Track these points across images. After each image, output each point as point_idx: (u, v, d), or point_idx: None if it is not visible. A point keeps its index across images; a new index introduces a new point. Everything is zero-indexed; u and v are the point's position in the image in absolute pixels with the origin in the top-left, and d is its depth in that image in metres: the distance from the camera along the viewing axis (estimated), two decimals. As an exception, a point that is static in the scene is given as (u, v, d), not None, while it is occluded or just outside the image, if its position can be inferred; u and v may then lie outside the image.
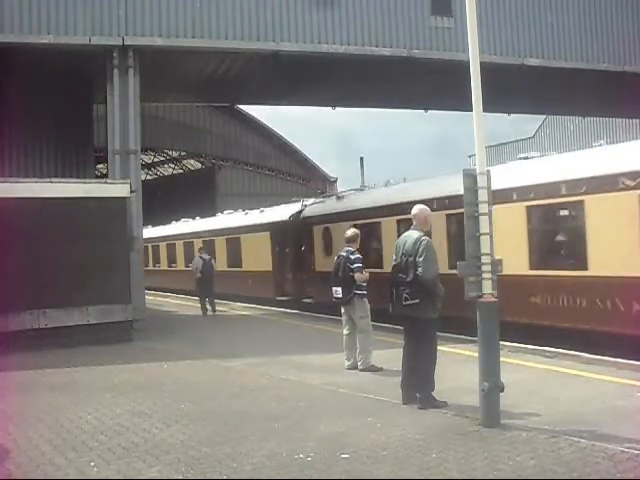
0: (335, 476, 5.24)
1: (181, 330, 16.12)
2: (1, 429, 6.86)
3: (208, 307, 19.43)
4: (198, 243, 25.94)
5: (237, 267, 23.92)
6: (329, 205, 19.10)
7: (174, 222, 32.59)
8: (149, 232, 32.72)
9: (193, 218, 31.33)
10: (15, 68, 16.16)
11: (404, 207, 10.84)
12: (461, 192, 6.70)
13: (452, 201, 12.33)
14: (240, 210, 26.75)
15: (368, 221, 15.89)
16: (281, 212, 21.84)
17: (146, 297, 17.48)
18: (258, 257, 22.39)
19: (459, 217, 12.08)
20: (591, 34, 19.63)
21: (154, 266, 32.52)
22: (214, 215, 30.43)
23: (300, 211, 20.21)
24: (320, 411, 7.35)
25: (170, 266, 30.95)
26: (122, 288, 13.71)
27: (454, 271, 6.76)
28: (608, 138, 34.24)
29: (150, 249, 32.18)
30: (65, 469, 5.58)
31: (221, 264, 23.74)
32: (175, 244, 30.15)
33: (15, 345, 11.47)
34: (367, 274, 10.02)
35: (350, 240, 10.16)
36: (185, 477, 5.32)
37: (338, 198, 19.12)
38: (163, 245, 31.81)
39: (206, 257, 20.09)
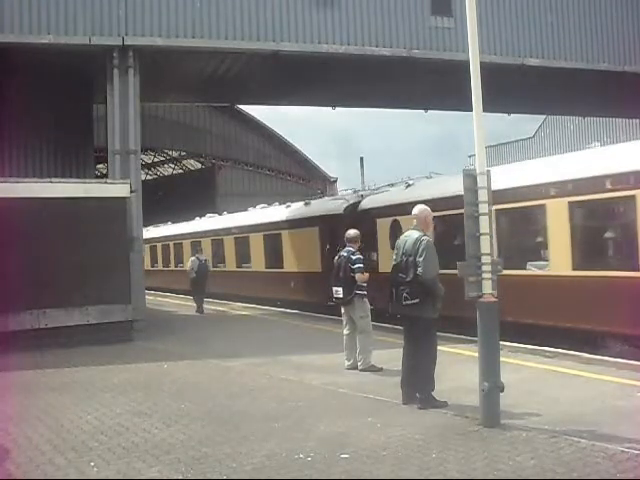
0: (335, 476, 5.24)
1: (181, 330, 16.11)
2: (1, 429, 6.85)
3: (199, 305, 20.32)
4: (229, 241, 24.30)
5: (277, 268, 21.09)
6: (397, 194, 16.59)
7: (198, 218, 29.72)
8: (169, 229, 31.44)
9: (219, 213, 29.36)
10: (15, 68, 16.15)
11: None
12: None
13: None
14: (277, 203, 24.27)
15: (449, 213, 12.81)
16: (332, 204, 19.28)
17: (146, 297, 17.48)
18: (304, 256, 19.58)
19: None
20: (591, 34, 19.61)
21: (176, 266, 29.31)
22: (244, 210, 26.78)
23: (358, 202, 17.94)
24: (320, 411, 7.35)
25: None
26: (122, 288, 13.71)
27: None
28: (608, 138, 34.25)
29: (172, 247, 30.10)
30: (65, 469, 5.58)
31: (257, 264, 22.24)
32: (201, 242, 26.06)
33: (15, 345, 11.47)
34: (367, 274, 10.03)
35: (351, 240, 10.16)
36: (185, 477, 5.32)
37: (408, 186, 16.76)
38: (187, 243, 28.04)
39: (202, 258, 21.36)
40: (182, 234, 29.22)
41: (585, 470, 5.16)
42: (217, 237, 25.65)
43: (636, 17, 19.99)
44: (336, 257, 10.37)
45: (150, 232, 29.86)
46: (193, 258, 21.48)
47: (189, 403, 7.93)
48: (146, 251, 29.08)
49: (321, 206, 19.93)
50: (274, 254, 21.43)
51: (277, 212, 22.43)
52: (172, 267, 30.36)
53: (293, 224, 20.38)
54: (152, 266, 31.51)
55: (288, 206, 22.10)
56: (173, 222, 32.25)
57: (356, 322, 9.94)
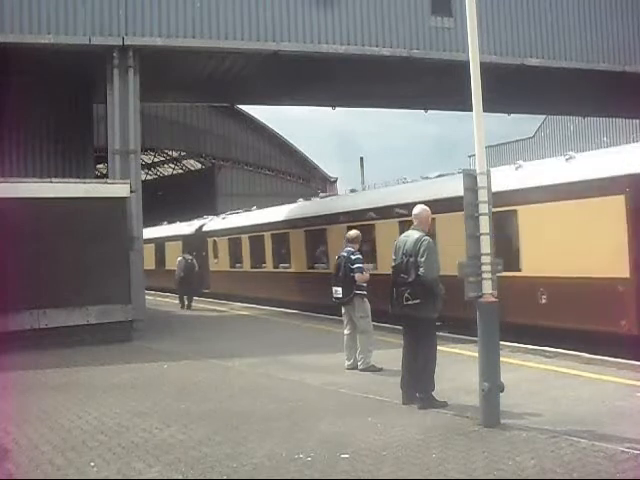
0: (335, 476, 5.24)
1: (181, 330, 16.11)
2: (1, 429, 6.85)
3: (185, 302, 22.02)
4: (296, 235, 19.85)
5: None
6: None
7: (255, 208, 25.18)
8: (215, 224, 26.65)
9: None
10: (15, 68, 16.16)
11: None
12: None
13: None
14: (358, 190, 21.09)
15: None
16: (445, 185, 13.72)
17: (146, 297, 17.49)
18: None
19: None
20: (591, 34, 19.61)
21: (233, 267, 24.52)
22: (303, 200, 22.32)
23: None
24: (320, 411, 7.35)
25: (257, 266, 22.60)
26: (122, 288, 13.71)
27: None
28: (608, 138, 34.28)
29: (228, 245, 24.89)
30: (65, 469, 5.58)
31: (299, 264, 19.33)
32: (263, 236, 21.99)
33: (15, 345, 11.46)
34: (367, 274, 10.04)
35: (351, 240, 10.18)
36: (185, 477, 5.32)
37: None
38: (245, 239, 23.56)
39: (188, 258, 22.86)
40: (238, 228, 24.21)
41: (585, 470, 5.16)
42: (281, 231, 21.01)
43: (636, 17, 19.99)
44: (336, 257, 10.40)
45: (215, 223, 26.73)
46: (180, 258, 22.95)
47: (189, 403, 7.92)
48: (211, 247, 26.04)
49: (439, 187, 14.32)
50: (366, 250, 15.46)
51: (366, 199, 18.15)
52: (228, 268, 24.82)
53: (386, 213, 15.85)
54: (233, 266, 24.51)
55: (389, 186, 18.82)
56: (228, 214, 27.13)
57: (356, 322, 9.94)
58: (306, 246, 19.65)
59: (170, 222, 32.71)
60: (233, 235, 24.30)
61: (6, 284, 11.87)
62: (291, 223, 20.47)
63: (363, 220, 16.21)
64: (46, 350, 11.89)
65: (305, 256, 19.68)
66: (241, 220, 24.69)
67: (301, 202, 21.88)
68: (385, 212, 15.80)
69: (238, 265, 24.12)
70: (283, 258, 21.00)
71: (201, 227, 27.66)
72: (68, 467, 5.63)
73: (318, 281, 17.24)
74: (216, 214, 29.83)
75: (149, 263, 29.85)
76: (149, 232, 32.25)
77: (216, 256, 25.92)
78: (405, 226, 14.05)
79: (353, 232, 10.38)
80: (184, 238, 28.21)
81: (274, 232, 21.29)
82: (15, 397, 8.45)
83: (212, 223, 27.29)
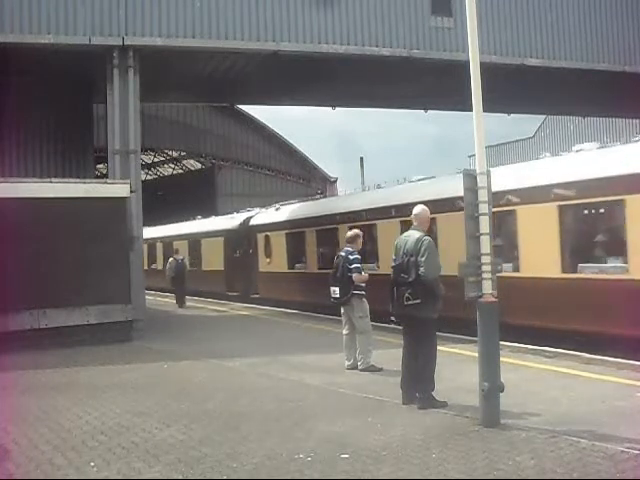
0: (335, 476, 5.24)
1: (181, 330, 16.11)
2: (1, 429, 6.86)
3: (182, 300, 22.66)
4: (386, 227, 15.38)
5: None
6: None
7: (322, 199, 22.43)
8: (267, 216, 22.89)
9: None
10: (15, 68, 16.16)
11: None
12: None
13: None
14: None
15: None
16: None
17: (146, 297, 17.49)
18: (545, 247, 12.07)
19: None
20: (591, 34, 19.61)
21: (292, 267, 20.47)
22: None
23: None
24: (320, 411, 7.35)
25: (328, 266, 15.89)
26: (122, 288, 13.72)
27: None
28: (608, 138, 34.27)
29: (286, 241, 20.76)
30: (65, 469, 5.58)
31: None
32: (337, 229, 17.36)
33: (15, 345, 11.46)
34: (366, 275, 10.03)
35: (350, 240, 10.19)
36: (185, 477, 5.32)
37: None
38: (311, 233, 19.27)
39: (179, 258, 23.47)
40: (303, 219, 20.07)
41: (585, 470, 5.16)
42: (362, 223, 16.02)
43: (636, 17, 19.99)
44: (335, 257, 10.41)
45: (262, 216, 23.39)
46: (171, 259, 23.71)
47: (189, 403, 7.93)
48: (261, 244, 22.07)
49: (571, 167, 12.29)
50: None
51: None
52: (286, 269, 20.69)
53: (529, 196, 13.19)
54: (292, 267, 20.44)
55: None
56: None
57: (355, 322, 9.94)
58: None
59: (205, 216, 30.49)
60: (294, 229, 19.84)
61: (6, 284, 11.87)
62: (383, 212, 15.92)
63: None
64: (46, 350, 11.89)
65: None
66: (306, 210, 20.35)
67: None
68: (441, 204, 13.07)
69: (299, 265, 20.07)
70: (368, 256, 14.75)
71: (247, 221, 23.94)
72: (68, 467, 5.63)
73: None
74: (264, 207, 24.78)
75: (191, 263, 28.31)
76: (179, 228, 30.89)
77: (268, 255, 21.65)
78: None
79: (352, 232, 10.38)
80: (226, 234, 25.17)
81: (356, 225, 14.53)
82: (15, 397, 8.45)
83: (262, 216, 23.29)
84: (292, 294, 20.00)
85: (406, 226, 8.38)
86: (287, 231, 20.44)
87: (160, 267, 30.39)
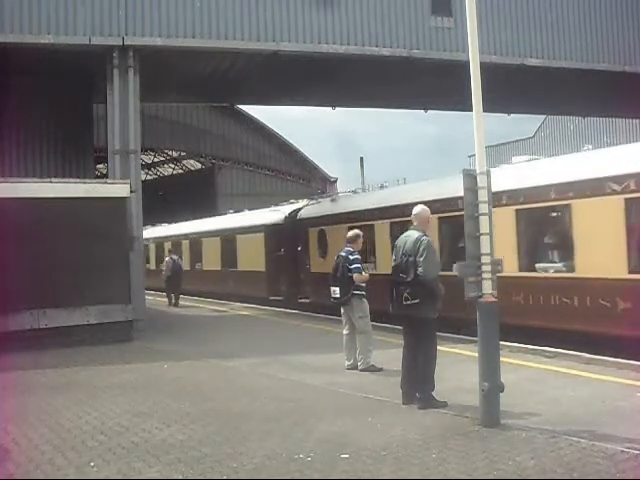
0: (335, 476, 5.24)
1: (181, 330, 16.11)
2: (1, 429, 6.85)
3: (173, 300, 22.87)
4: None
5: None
6: None
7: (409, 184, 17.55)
8: (320, 208, 19.76)
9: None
10: (15, 68, 16.15)
11: None
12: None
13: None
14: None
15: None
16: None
17: (146, 297, 17.48)
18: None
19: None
20: (591, 34, 19.62)
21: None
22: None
23: None
24: (320, 411, 7.35)
25: None
26: (122, 288, 13.71)
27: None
28: (608, 138, 34.31)
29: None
30: (65, 469, 5.58)
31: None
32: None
33: (15, 345, 11.46)
34: (367, 275, 10.04)
35: (350, 240, 10.21)
36: (185, 477, 5.32)
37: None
38: (382, 227, 16.11)
39: (175, 258, 23.63)
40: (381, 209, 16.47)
41: (585, 470, 5.16)
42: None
43: (636, 17, 19.99)
44: (335, 257, 10.42)
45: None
46: (167, 259, 23.70)
47: (189, 403, 7.93)
48: (314, 241, 18.89)
49: None
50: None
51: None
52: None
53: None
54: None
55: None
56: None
57: (355, 322, 9.95)
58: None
59: (237, 210, 27.95)
60: (359, 222, 15.76)
61: (6, 284, 11.86)
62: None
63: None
64: (46, 350, 11.88)
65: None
66: (376, 199, 17.21)
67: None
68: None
69: (365, 265, 15.04)
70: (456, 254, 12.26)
71: (294, 214, 20.73)
72: (68, 467, 5.63)
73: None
74: (313, 197, 22.27)
75: (212, 262, 25.99)
76: (208, 224, 27.87)
77: (323, 253, 18.53)
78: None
79: (352, 232, 10.41)
80: (268, 229, 21.65)
81: (446, 215, 13.36)
82: (15, 397, 8.45)
83: (315, 207, 20.17)
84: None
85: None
86: (350, 224, 15.69)
87: (188, 267, 27.12)
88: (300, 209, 20.86)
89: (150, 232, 30.00)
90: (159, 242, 31.71)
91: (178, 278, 22.98)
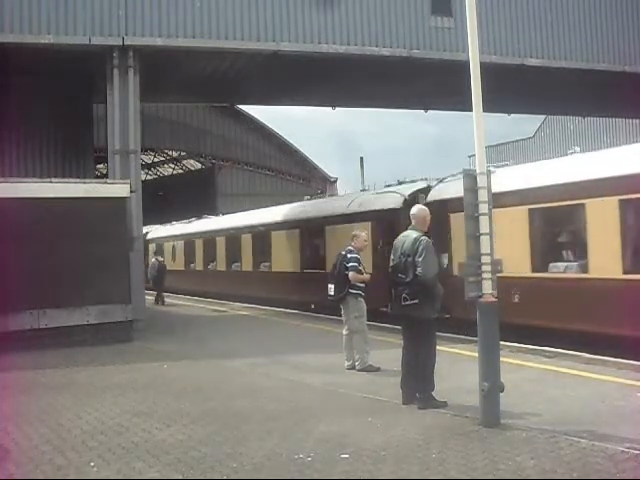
0: (335, 476, 5.24)
1: (181, 330, 16.10)
2: (1, 429, 6.85)
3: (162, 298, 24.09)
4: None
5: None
6: None
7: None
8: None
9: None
10: (15, 68, 16.16)
11: None
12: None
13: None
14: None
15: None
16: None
17: (146, 297, 17.49)
18: None
19: None
20: (591, 34, 19.62)
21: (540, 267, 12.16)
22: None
23: None
24: (320, 411, 7.35)
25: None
26: (122, 288, 13.71)
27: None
28: (608, 138, 34.30)
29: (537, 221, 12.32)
30: (65, 469, 5.58)
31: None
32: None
33: (15, 345, 11.46)
34: (366, 276, 10.00)
35: (352, 238, 10.23)
36: (185, 477, 5.32)
37: None
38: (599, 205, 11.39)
39: (160, 259, 25.09)
40: None
41: (585, 470, 5.16)
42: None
43: (636, 17, 20.00)
44: (336, 255, 10.47)
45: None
46: (153, 260, 25.14)
47: (189, 403, 7.92)
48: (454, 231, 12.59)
49: None
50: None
51: None
52: None
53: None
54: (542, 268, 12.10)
55: None
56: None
57: (350, 321, 9.96)
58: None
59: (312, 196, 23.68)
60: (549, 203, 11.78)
61: (6, 284, 11.86)
62: None
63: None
64: (46, 350, 11.88)
65: None
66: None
67: None
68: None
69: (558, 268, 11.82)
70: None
71: (421, 194, 15.31)
72: (68, 467, 5.62)
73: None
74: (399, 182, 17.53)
75: (284, 262, 20.14)
76: (277, 213, 21.88)
77: None
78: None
79: (355, 231, 10.45)
80: (380, 215, 16.11)
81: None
82: (15, 397, 8.44)
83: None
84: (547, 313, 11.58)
85: None
86: (532, 206, 12.05)
87: (237, 268, 23.70)
88: (427, 189, 15.38)
89: (193, 226, 28.74)
90: (208, 238, 26.52)
91: (162, 278, 24.54)
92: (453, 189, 13.05)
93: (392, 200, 16.19)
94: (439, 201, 14.03)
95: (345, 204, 18.30)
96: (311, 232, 19.30)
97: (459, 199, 7.17)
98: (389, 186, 17.72)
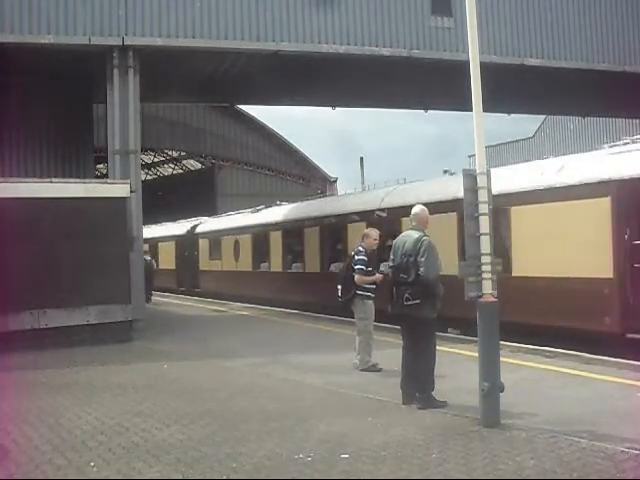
0: (335, 476, 5.24)
1: (181, 330, 16.10)
2: (1, 429, 6.85)
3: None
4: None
5: None
6: None
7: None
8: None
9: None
10: (15, 68, 16.16)
11: None
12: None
13: None
14: None
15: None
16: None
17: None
18: None
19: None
20: (591, 34, 19.60)
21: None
22: None
23: None
24: (320, 411, 7.35)
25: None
26: (122, 288, 13.70)
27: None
28: (608, 138, 34.30)
29: None
30: (65, 469, 5.58)
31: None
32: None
33: (15, 345, 11.46)
34: (376, 276, 9.88)
35: (361, 238, 10.21)
36: (185, 477, 5.32)
37: None
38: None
39: (147, 258, 24.15)
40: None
41: (585, 470, 5.16)
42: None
43: (636, 17, 19.98)
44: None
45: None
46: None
47: (189, 403, 7.92)
48: None
49: None
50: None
51: None
52: None
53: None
54: None
55: None
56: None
57: (356, 322, 9.96)
58: None
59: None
60: None
61: (6, 284, 11.86)
62: None
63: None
64: (46, 350, 11.88)
65: None
66: None
67: None
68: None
69: None
70: None
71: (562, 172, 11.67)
72: (68, 467, 5.62)
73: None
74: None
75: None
76: (352, 202, 18.58)
77: None
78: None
79: (367, 230, 10.42)
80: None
81: None
82: (15, 397, 8.44)
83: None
84: None
85: None
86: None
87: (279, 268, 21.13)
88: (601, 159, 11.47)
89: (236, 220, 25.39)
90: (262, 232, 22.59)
91: (150, 277, 24.63)
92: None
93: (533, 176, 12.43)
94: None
95: (436, 190, 14.38)
96: (385, 220, 15.58)
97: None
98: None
